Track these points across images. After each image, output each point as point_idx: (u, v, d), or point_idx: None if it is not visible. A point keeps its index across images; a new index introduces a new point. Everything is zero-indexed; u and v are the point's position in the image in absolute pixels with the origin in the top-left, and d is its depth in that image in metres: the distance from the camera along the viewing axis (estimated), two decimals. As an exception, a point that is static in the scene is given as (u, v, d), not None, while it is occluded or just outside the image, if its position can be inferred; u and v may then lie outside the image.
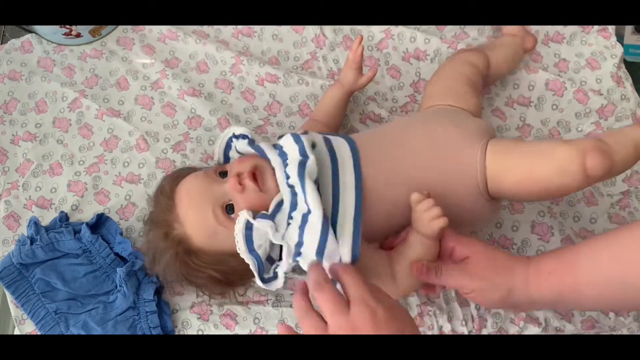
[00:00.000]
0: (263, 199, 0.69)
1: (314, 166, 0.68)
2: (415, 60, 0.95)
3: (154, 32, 0.98)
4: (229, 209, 0.69)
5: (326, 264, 0.62)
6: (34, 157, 0.89)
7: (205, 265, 0.70)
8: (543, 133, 0.91)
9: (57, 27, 0.93)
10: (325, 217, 0.64)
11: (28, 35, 0.98)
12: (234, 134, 0.77)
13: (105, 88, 0.94)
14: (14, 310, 0.80)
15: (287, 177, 0.68)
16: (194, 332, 0.79)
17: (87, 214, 0.86)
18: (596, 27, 0.96)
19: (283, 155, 0.70)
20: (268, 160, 0.71)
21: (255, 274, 0.68)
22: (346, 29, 0.97)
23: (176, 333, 0.79)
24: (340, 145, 0.73)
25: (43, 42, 0.98)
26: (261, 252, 0.68)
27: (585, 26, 0.96)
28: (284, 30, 0.98)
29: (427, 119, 0.79)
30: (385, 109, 0.92)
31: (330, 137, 0.74)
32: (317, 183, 0.67)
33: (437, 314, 0.78)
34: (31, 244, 0.79)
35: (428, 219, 0.66)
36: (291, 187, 0.67)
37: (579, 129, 0.90)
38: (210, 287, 0.73)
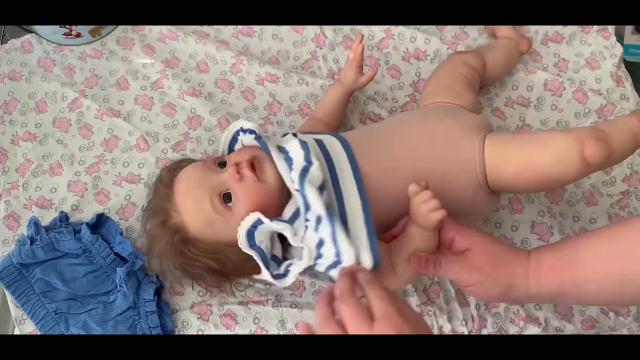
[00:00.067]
0: (261, 188, 0.69)
1: (317, 171, 0.67)
2: (415, 60, 0.95)
3: (154, 32, 0.98)
4: (227, 198, 0.69)
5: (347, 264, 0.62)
6: (34, 157, 0.89)
7: (202, 254, 0.70)
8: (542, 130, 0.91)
9: (57, 27, 0.93)
10: (330, 214, 0.64)
11: (28, 35, 0.98)
12: (242, 127, 0.78)
13: (105, 88, 0.94)
14: (14, 310, 0.80)
15: (293, 182, 0.68)
16: (194, 332, 0.79)
17: (87, 214, 0.86)
18: (596, 27, 0.96)
19: (289, 161, 0.70)
20: (269, 153, 0.71)
21: (261, 264, 0.68)
22: (346, 28, 0.97)
23: (176, 333, 0.79)
24: (334, 145, 0.73)
25: (43, 42, 0.98)
26: (263, 247, 0.68)
27: (584, 26, 0.96)
28: (284, 30, 0.98)
29: (425, 115, 0.79)
30: (385, 108, 0.92)
31: (321, 138, 0.74)
32: (323, 188, 0.67)
33: (437, 314, 0.78)
34: (31, 244, 0.79)
35: (426, 211, 0.65)
36: (298, 191, 0.68)
37: (579, 129, 0.90)
38: (206, 278, 0.73)
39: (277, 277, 0.68)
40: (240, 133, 0.78)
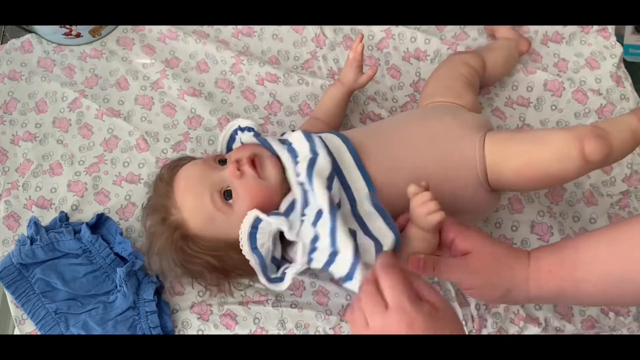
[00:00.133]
0: (262, 185, 0.69)
1: (324, 162, 0.68)
2: (415, 60, 0.95)
3: (154, 32, 0.98)
4: (227, 195, 0.69)
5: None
6: (34, 157, 0.89)
7: (202, 251, 0.70)
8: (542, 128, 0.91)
9: (57, 27, 0.93)
10: (333, 212, 0.64)
11: (28, 35, 0.98)
12: (239, 126, 0.78)
13: (105, 88, 0.94)
14: (14, 310, 0.80)
15: (297, 175, 0.68)
16: (194, 332, 0.79)
17: (87, 214, 0.86)
18: (595, 27, 0.96)
19: (292, 152, 0.70)
20: (270, 150, 0.71)
21: (258, 271, 0.68)
22: (346, 28, 0.97)
23: (176, 333, 0.79)
24: (335, 141, 0.73)
25: (43, 42, 0.98)
26: (263, 250, 0.68)
27: (584, 26, 0.96)
28: (284, 30, 0.98)
29: (426, 114, 0.79)
30: (385, 108, 0.92)
31: (322, 135, 0.74)
32: (332, 180, 0.67)
33: (437, 314, 0.78)
34: (31, 244, 0.79)
35: (425, 212, 0.64)
36: (301, 184, 0.67)
37: (579, 129, 0.90)
38: (206, 275, 0.73)
39: (274, 280, 0.69)
40: (238, 132, 0.78)
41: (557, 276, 0.63)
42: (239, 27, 0.98)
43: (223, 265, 0.71)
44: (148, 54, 0.96)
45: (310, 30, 0.97)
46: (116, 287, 0.78)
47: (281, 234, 0.69)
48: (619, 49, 0.94)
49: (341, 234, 0.63)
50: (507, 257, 0.66)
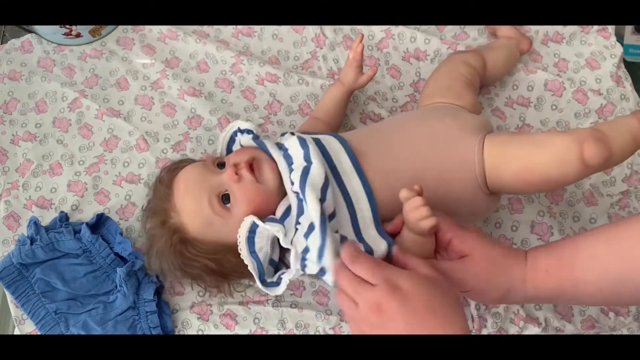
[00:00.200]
0: (259, 189, 0.69)
1: (318, 170, 0.67)
2: (415, 60, 0.95)
3: (154, 32, 0.98)
4: (225, 199, 0.70)
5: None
6: (34, 157, 0.89)
7: (200, 254, 0.70)
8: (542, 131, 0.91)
9: (57, 27, 0.93)
10: (323, 228, 0.63)
11: (28, 35, 0.98)
12: (239, 128, 0.78)
13: (105, 88, 0.94)
14: (14, 310, 0.80)
15: (292, 183, 0.68)
16: (194, 332, 0.79)
17: (87, 214, 0.86)
18: (596, 27, 0.96)
19: (288, 159, 0.70)
20: (268, 154, 0.71)
21: (255, 276, 0.68)
22: (346, 28, 0.97)
23: (176, 333, 0.79)
24: (333, 144, 0.73)
25: (43, 42, 0.98)
26: (261, 255, 0.69)
27: (584, 26, 0.96)
28: (284, 30, 0.98)
29: (425, 115, 0.79)
30: (385, 108, 0.92)
31: (320, 137, 0.74)
32: (326, 189, 0.67)
33: (437, 314, 0.78)
34: (31, 244, 0.79)
35: (416, 218, 0.62)
36: (296, 193, 0.67)
37: (579, 128, 0.90)
38: (205, 278, 0.73)
39: (270, 285, 0.69)
40: (238, 134, 0.78)
41: (555, 276, 0.63)
42: (239, 27, 0.98)
43: (222, 269, 0.71)
44: (148, 54, 0.96)
45: (310, 30, 0.97)
46: (116, 287, 0.78)
47: None
48: (619, 49, 0.94)
49: (328, 253, 0.62)
50: (505, 259, 0.66)
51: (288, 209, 0.69)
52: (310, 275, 0.81)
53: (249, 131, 0.77)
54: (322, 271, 0.65)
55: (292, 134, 0.74)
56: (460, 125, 0.74)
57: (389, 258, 0.66)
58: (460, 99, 0.80)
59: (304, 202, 0.66)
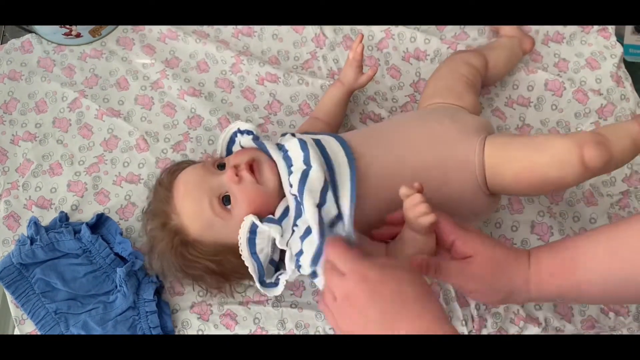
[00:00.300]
0: (260, 191, 0.69)
1: (317, 174, 0.67)
2: (415, 60, 0.95)
3: (154, 32, 0.98)
4: (225, 200, 0.70)
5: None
6: (34, 157, 0.89)
7: (201, 256, 0.71)
8: (543, 133, 0.91)
9: (57, 27, 0.93)
10: (322, 232, 0.63)
11: (28, 35, 0.98)
12: (239, 129, 0.78)
13: (105, 88, 0.94)
14: (14, 310, 0.80)
15: (291, 185, 0.68)
16: (194, 332, 0.79)
17: (87, 214, 0.86)
18: (596, 27, 0.96)
19: (288, 160, 0.70)
20: (268, 154, 0.71)
21: (255, 278, 0.68)
22: (346, 28, 0.97)
23: (176, 333, 0.79)
24: (332, 144, 0.73)
25: (43, 42, 0.98)
26: (262, 256, 0.69)
27: (584, 26, 0.96)
28: (284, 30, 0.98)
29: (425, 116, 0.79)
30: (385, 108, 0.92)
31: (320, 138, 0.74)
32: (325, 192, 0.66)
33: (437, 314, 0.78)
34: (31, 244, 0.79)
35: (415, 215, 0.62)
36: (294, 195, 0.67)
37: (579, 129, 0.90)
38: (206, 279, 0.73)
39: (268, 285, 0.69)
40: (238, 134, 0.78)
41: (558, 278, 0.63)
42: (239, 27, 0.98)
43: (223, 270, 0.72)
44: (148, 54, 0.96)
45: (310, 30, 0.97)
46: (116, 287, 0.78)
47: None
48: (619, 49, 0.94)
49: (323, 259, 0.62)
50: (508, 262, 0.65)
51: (286, 210, 0.69)
52: (309, 276, 0.81)
53: (249, 132, 0.77)
54: (314, 274, 0.65)
55: (293, 135, 0.74)
56: (460, 126, 0.74)
57: None
58: (460, 100, 0.80)
59: (301, 206, 0.66)
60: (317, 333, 0.78)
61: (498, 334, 0.78)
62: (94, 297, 0.79)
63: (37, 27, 0.96)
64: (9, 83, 0.94)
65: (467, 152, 0.71)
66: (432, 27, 0.97)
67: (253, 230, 0.68)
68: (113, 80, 0.95)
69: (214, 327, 0.79)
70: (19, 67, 0.96)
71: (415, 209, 0.62)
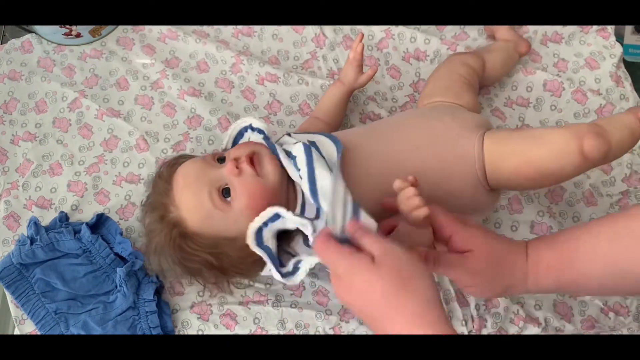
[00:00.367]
0: (260, 183, 0.69)
1: (324, 182, 0.68)
2: (415, 60, 0.95)
3: (154, 32, 0.98)
4: (225, 193, 0.70)
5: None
6: (34, 157, 0.89)
7: (200, 249, 0.70)
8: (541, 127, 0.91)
9: (57, 27, 0.93)
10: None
11: (28, 35, 0.98)
12: (251, 125, 0.78)
13: (105, 88, 0.94)
14: (14, 310, 0.80)
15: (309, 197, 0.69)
16: (194, 332, 0.79)
17: (87, 214, 0.86)
18: (595, 27, 0.96)
19: (296, 167, 0.70)
20: (269, 150, 0.72)
21: (269, 264, 0.68)
22: (346, 28, 0.97)
23: (176, 333, 0.79)
24: (327, 145, 0.73)
25: (43, 42, 0.98)
26: (270, 245, 0.69)
27: (584, 26, 0.96)
28: (284, 30, 0.98)
29: (425, 113, 0.79)
30: (385, 108, 0.92)
31: (315, 139, 0.74)
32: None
33: (436, 314, 0.78)
34: (31, 244, 0.79)
35: (409, 208, 0.62)
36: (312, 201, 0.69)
37: (579, 129, 0.90)
38: (204, 273, 0.73)
39: (285, 275, 0.68)
40: (249, 130, 0.78)
41: (556, 272, 0.64)
42: (239, 27, 0.98)
43: (221, 264, 0.71)
44: (148, 54, 0.96)
45: (310, 30, 0.97)
46: (116, 287, 0.78)
47: (279, 233, 0.70)
48: (618, 49, 0.94)
49: None
50: (507, 256, 0.66)
51: (318, 212, 0.69)
52: (311, 275, 0.81)
53: (260, 131, 0.77)
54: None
55: (289, 135, 0.74)
56: (459, 123, 0.74)
57: None
58: (460, 99, 0.80)
59: (321, 210, 0.67)
60: (317, 333, 0.78)
61: (498, 334, 0.78)
62: (94, 297, 0.79)
63: (37, 27, 0.96)
64: (9, 83, 0.94)
65: (467, 147, 0.72)
66: (432, 28, 0.97)
67: (266, 223, 0.68)
68: (113, 80, 0.95)
69: (214, 327, 0.79)
70: (19, 67, 0.96)
71: (409, 202, 0.62)
